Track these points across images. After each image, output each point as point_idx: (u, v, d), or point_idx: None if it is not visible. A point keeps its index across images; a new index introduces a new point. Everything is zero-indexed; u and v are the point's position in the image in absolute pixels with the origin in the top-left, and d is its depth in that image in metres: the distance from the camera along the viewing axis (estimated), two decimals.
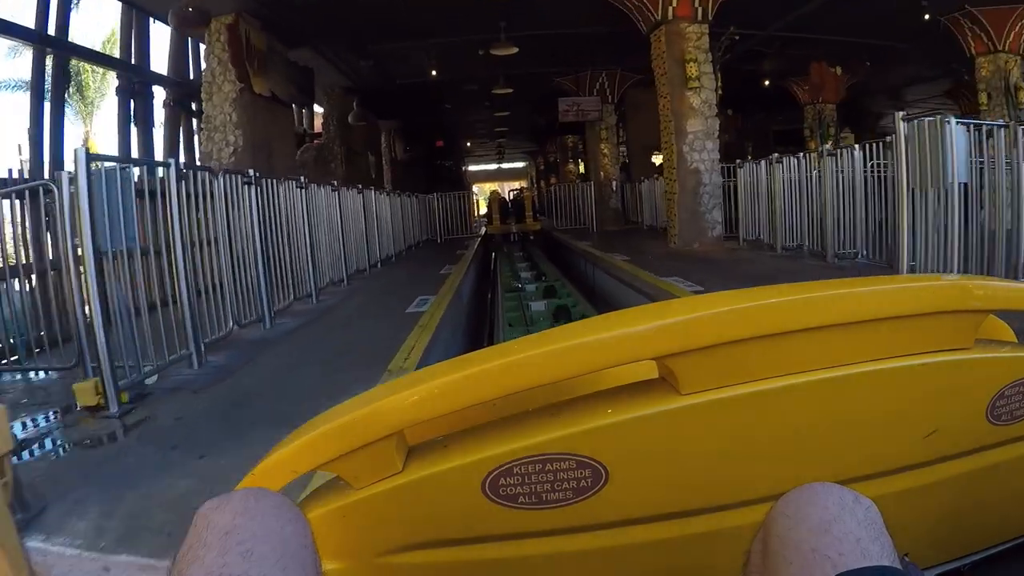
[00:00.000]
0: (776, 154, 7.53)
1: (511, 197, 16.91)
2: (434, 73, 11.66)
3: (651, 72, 14.31)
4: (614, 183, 13.70)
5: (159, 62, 9.29)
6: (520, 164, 35.85)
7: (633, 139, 15.93)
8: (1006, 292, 0.76)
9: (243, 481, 0.67)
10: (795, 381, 0.67)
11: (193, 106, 9.40)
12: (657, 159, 12.33)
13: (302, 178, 6.29)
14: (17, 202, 3.65)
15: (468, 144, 24.15)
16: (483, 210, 19.28)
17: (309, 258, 5.70)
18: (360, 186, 8.86)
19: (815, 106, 16.69)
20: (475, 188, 25.36)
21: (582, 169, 19.05)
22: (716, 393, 0.66)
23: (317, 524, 0.65)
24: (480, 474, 0.65)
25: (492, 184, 31.51)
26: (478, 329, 7.71)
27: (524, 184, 24.28)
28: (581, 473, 0.65)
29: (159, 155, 9.44)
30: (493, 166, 36.08)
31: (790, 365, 0.67)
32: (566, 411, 0.69)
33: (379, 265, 8.50)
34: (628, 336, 0.66)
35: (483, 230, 15.47)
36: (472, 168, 34.65)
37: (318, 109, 13.93)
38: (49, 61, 7.03)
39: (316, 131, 14.31)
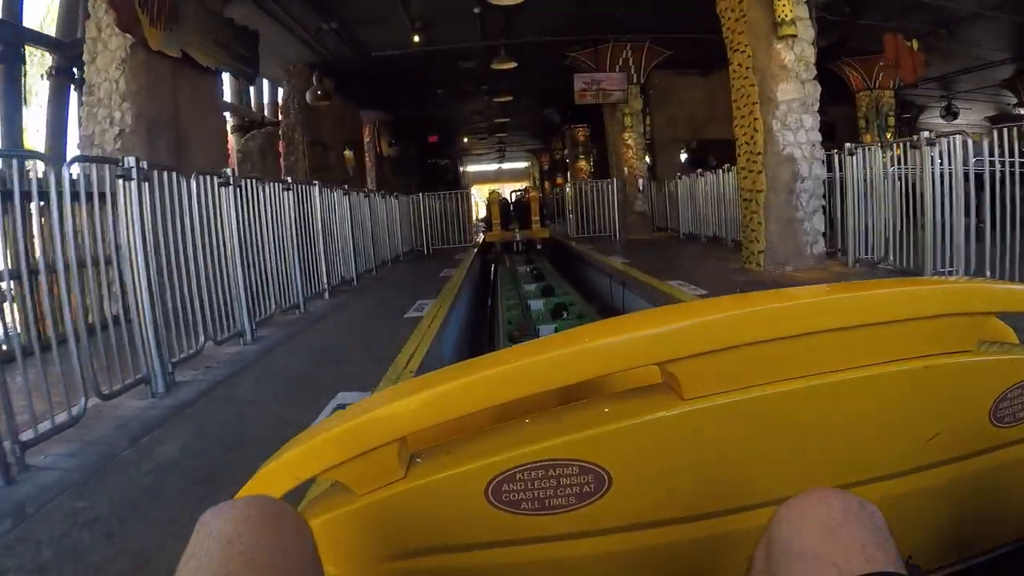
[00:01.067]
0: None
1: (513, 198, 14.35)
2: (417, 39, 9.14)
3: (684, 47, 12.06)
4: (641, 181, 11.18)
5: (39, 17, 6.82)
6: (522, 164, 33.38)
7: (658, 132, 13.44)
8: (1008, 294, 0.75)
9: (245, 488, 0.67)
10: (798, 385, 0.67)
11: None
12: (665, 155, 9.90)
13: (231, 171, 4.37)
14: None
15: (465, 140, 21.65)
16: (481, 213, 16.78)
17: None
18: (316, 183, 6.38)
19: (872, 92, 14.22)
20: (474, 191, 22.88)
21: (586, 167, 16.54)
22: (719, 398, 0.66)
23: (319, 531, 0.63)
24: (483, 480, 0.65)
25: (492, 186, 28.98)
26: None
27: (528, 183, 21.61)
28: (584, 479, 0.66)
29: (40, 140, 6.98)
30: (493, 166, 33.62)
31: (792, 370, 0.67)
32: (569, 417, 0.69)
33: (327, 294, 5.97)
34: (630, 341, 0.66)
35: (480, 237, 12.99)
36: (471, 169, 32.23)
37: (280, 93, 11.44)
38: None
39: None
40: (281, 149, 10.45)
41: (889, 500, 0.65)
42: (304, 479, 0.67)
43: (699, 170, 10.55)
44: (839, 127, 18.13)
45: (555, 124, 18.38)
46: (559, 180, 21.83)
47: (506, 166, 33.30)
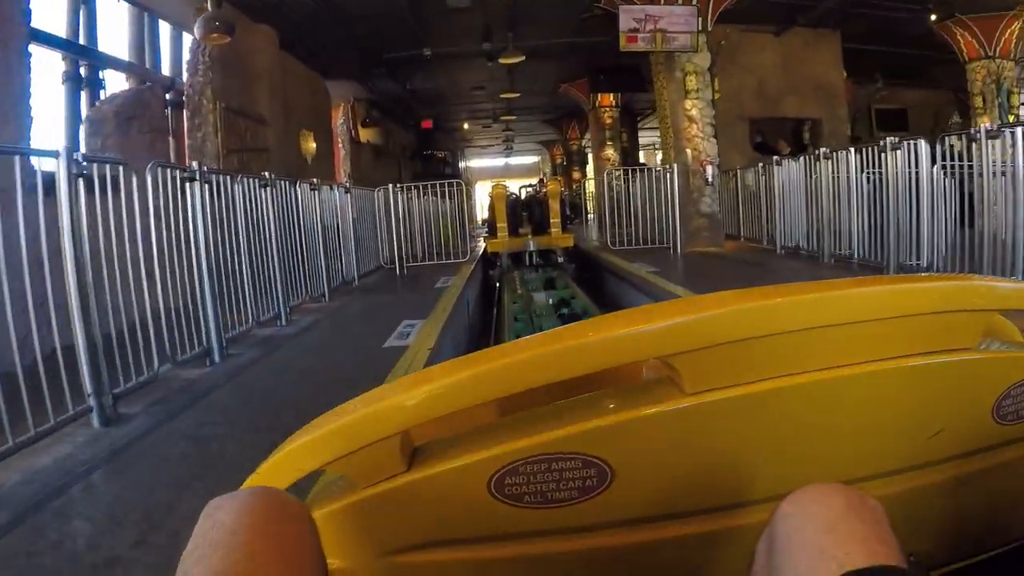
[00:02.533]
0: None
1: (525, 194, 10.88)
2: None
3: None
4: (710, 171, 7.80)
5: None
6: (530, 159, 30.05)
7: (718, 106, 10.06)
8: (1012, 291, 0.75)
9: (249, 479, 0.67)
10: (801, 381, 0.66)
11: None
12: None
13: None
14: None
15: (466, 127, 18.31)
16: (482, 212, 13.44)
17: None
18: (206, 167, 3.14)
19: (993, 61, 10.79)
20: (478, 188, 19.48)
21: (608, 156, 13.13)
22: (721, 393, 0.66)
23: (323, 523, 0.63)
24: (486, 473, 0.65)
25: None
26: None
27: (546, 172, 17.72)
28: (587, 472, 0.66)
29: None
30: (500, 161, 30.30)
31: (795, 365, 0.66)
32: (571, 410, 0.69)
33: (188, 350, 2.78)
34: (633, 335, 0.65)
35: (481, 245, 9.66)
36: (474, 164, 28.91)
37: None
38: None
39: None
40: (185, 121, 7.14)
41: (891, 497, 0.66)
42: (307, 471, 0.67)
43: (775, 157, 7.27)
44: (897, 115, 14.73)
45: (574, 107, 15.00)
46: (576, 175, 18.46)
47: (514, 161, 29.90)
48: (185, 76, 7.29)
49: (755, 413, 0.67)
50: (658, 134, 25.33)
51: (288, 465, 0.66)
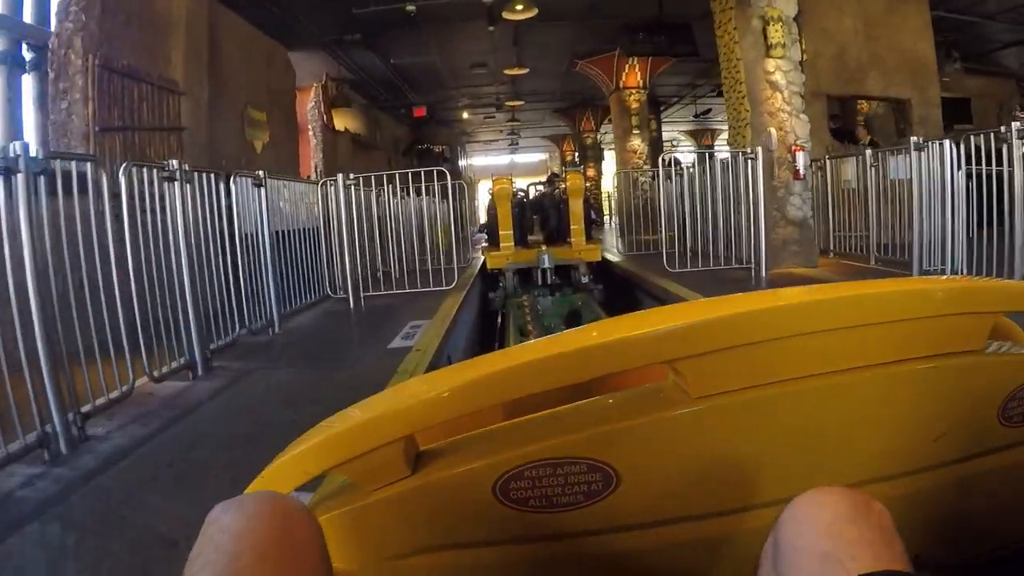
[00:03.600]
0: None
1: (536, 192, 8.46)
2: None
3: None
4: (801, 159, 5.51)
5: None
6: (536, 157, 27.77)
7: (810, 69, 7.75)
8: (1018, 293, 0.75)
9: (254, 483, 0.67)
10: (806, 384, 0.66)
11: None
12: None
13: None
14: None
15: (466, 117, 16.03)
16: (480, 214, 11.17)
17: None
18: None
19: None
20: (481, 188, 17.11)
21: (629, 146, 10.85)
22: (727, 397, 0.65)
23: (328, 527, 0.62)
24: (491, 477, 0.65)
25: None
26: None
27: (554, 171, 15.20)
28: (592, 477, 0.65)
29: None
30: (504, 159, 28.04)
31: (801, 368, 0.66)
32: (577, 415, 0.69)
33: None
34: (638, 339, 0.65)
35: (478, 257, 7.40)
36: (477, 163, 26.61)
37: None
38: None
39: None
40: (50, 86, 4.91)
41: (897, 499, 0.65)
42: (313, 475, 0.66)
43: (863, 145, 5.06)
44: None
45: (590, 94, 12.70)
46: (591, 172, 16.18)
47: (520, 159, 27.64)
48: (53, 24, 5.05)
49: (761, 417, 0.67)
50: (680, 130, 22.76)
51: (293, 469, 0.66)
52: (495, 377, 0.65)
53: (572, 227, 6.77)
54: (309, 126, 10.31)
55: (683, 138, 22.56)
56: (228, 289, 3.49)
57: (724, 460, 0.68)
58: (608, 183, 14.58)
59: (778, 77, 5.58)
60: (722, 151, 14.82)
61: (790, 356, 0.65)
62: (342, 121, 11.06)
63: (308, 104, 10.39)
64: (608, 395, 0.72)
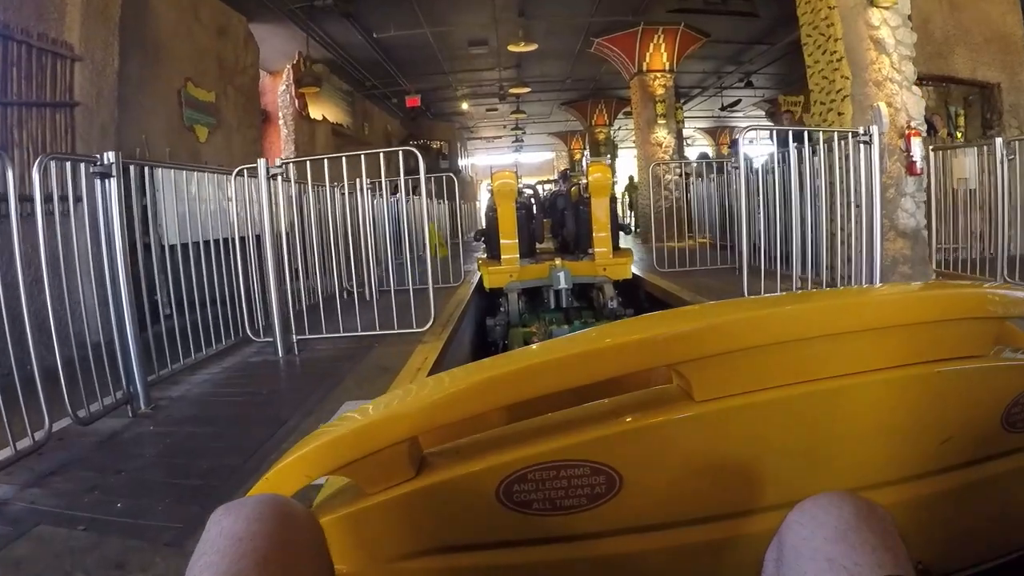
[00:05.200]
0: None
1: (548, 191, 6.89)
2: None
3: None
4: (917, 147, 3.96)
5: None
6: (541, 157, 26.28)
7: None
8: (1022, 299, 0.73)
9: (256, 486, 0.67)
10: (810, 388, 0.66)
11: None
12: None
13: None
14: None
15: (465, 108, 14.47)
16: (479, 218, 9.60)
17: None
18: None
19: None
20: (482, 189, 15.49)
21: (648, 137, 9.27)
22: (730, 400, 0.65)
23: (330, 529, 0.63)
24: (494, 480, 0.65)
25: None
26: None
27: (560, 170, 13.29)
28: (595, 480, 0.65)
29: None
30: (508, 159, 26.46)
31: (805, 372, 0.66)
32: (580, 418, 0.69)
33: None
34: (642, 343, 0.65)
35: (473, 270, 5.85)
36: (479, 163, 25.07)
37: None
38: None
39: None
40: None
41: (901, 504, 0.66)
42: (315, 478, 0.66)
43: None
44: None
45: (605, 82, 11.10)
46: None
47: (525, 158, 26.09)
48: None
49: (765, 421, 0.66)
50: (697, 128, 21.04)
51: (295, 472, 0.65)
52: (499, 380, 0.65)
53: (595, 235, 5.22)
54: (280, 113, 8.82)
55: (699, 136, 21.02)
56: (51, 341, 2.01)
57: (728, 463, 0.67)
58: (620, 185, 13.05)
59: (884, 34, 4.04)
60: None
61: (794, 360, 0.65)
62: (320, 109, 9.55)
63: (279, 88, 8.89)
64: (611, 398, 0.72)
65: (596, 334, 0.71)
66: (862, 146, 3.47)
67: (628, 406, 0.68)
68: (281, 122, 8.82)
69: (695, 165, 9.04)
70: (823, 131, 3.62)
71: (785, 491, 0.64)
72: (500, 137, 20.72)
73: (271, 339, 3.16)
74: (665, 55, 9.24)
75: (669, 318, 0.71)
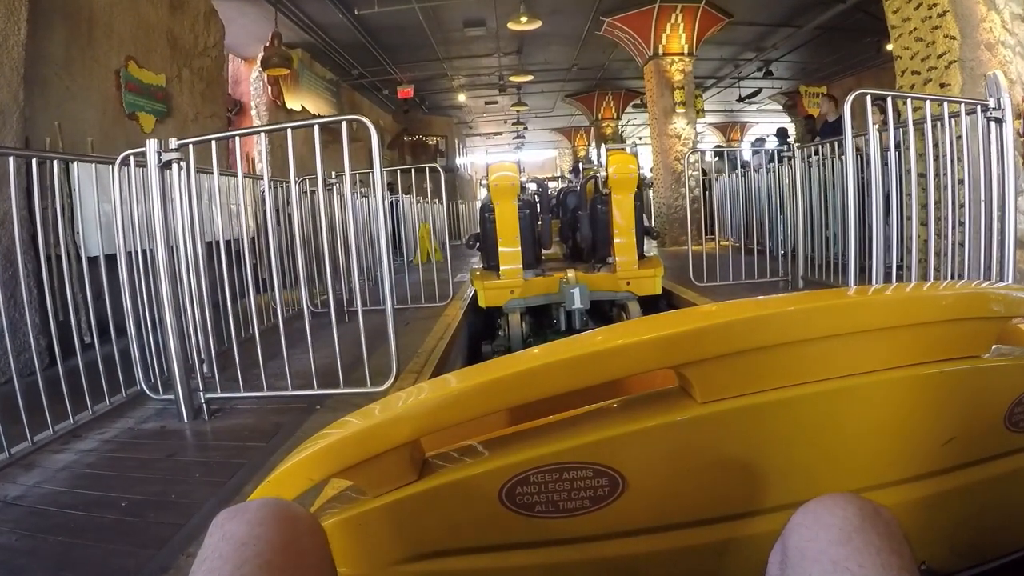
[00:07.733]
0: None
1: (560, 186, 5.93)
2: None
3: None
4: None
5: None
6: (545, 154, 25.33)
7: None
8: None
9: (258, 489, 0.66)
10: (812, 389, 0.65)
11: None
12: None
13: None
14: None
15: (463, 100, 13.51)
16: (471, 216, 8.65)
17: None
18: None
19: None
20: (481, 189, 14.54)
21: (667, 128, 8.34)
22: (733, 402, 0.65)
23: (333, 532, 0.62)
24: (497, 483, 0.65)
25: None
26: None
27: (562, 168, 12.30)
28: (598, 482, 0.65)
29: None
30: (510, 157, 25.55)
31: (807, 373, 0.65)
32: (583, 420, 0.69)
33: None
34: (645, 344, 0.64)
35: (467, 285, 4.92)
36: (479, 161, 24.09)
37: None
38: None
39: None
40: None
41: (903, 504, 0.65)
42: (317, 481, 0.66)
43: None
44: None
45: (612, 71, 10.13)
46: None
47: (527, 156, 25.12)
48: None
49: (767, 422, 0.66)
50: (707, 123, 20.13)
51: (297, 475, 0.65)
52: (501, 382, 0.65)
53: (616, 240, 4.26)
54: (252, 103, 7.88)
55: (708, 132, 20.05)
56: None
57: (731, 465, 0.67)
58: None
59: None
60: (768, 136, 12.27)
61: (797, 362, 0.65)
62: (299, 99, 8.61)
63: (251, 75, 7.96)
64: (614, 400, 0.72)
65: (598, 336, 0.70)
66: (992, 124, 2.51)
67: (631, 408, 0.69)
68: (254, 112, 7.90)
69: (713, 161, 8.11)
70: (948, 101, 2.65)
71: (789, 492, 0.65)
72: (500, 134, 19.76)
73: (173, 399, 2.22)
74: (684, 36, 8.29)
75: (671, 319, 0.69)
